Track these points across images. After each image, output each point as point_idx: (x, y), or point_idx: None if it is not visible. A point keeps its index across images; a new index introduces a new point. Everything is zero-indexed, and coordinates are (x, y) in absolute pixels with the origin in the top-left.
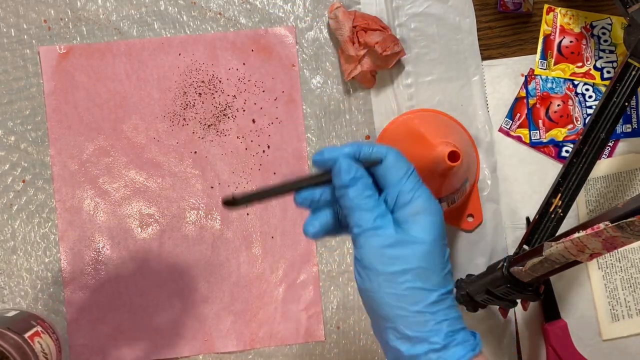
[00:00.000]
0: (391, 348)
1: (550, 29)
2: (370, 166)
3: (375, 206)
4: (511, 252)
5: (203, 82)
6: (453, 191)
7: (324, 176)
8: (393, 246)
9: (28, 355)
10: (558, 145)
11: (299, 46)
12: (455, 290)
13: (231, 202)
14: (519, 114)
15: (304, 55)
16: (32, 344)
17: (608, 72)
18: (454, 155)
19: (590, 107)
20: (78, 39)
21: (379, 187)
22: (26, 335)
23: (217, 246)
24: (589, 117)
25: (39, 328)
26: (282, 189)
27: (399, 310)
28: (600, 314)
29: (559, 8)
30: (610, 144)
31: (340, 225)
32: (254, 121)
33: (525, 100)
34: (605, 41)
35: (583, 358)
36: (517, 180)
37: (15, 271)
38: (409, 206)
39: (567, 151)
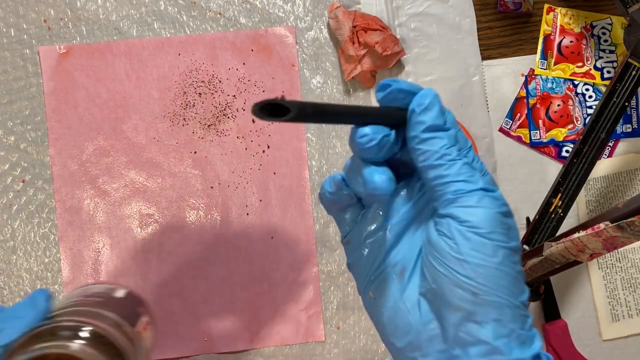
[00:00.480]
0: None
1: (551, 28)
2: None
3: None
4: None
5: (203, 82)
6: None
7: (403, 112)
8: (508, 215)
9: (140, 353)
10: (558, 145)
11: (299, 46)
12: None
13: (274, 109)
14: (519, 114)
15: (304, 55)
16: (142, 339)
17: (608, 72)
18: None
19: (590, 107)
20: (78, 38)
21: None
22: (137, 329)
23: (217, 246)
24: (589, 117)
25: (146, 318)
26: (347, 113)
27: (510, 296)
28: (601, 314)
29: (559, 8)
30: (610, 144)
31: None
32: (253, 121)
33: (525, 100)
34: (606, 41)
35: (583, 358)
36: (517, 180)
37: (15, 271)
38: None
39: (567, 151)
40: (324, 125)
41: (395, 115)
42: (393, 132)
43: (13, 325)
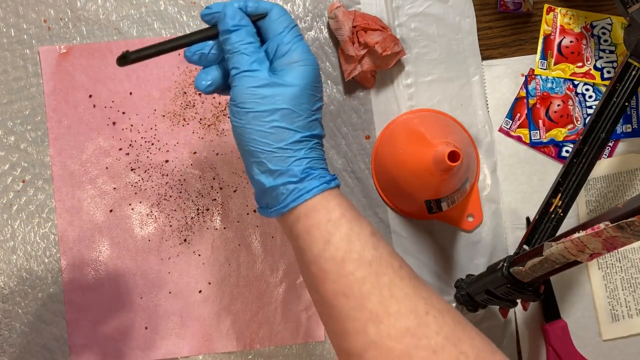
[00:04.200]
0: (255, 181)
1: (551, 29)
2: (256, 20)
3: (254, 52)
4: (511, 252)
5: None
6: (453, 191)
7: (212, 29)
8: (264, 87)
9: None
10: (558, 145)
11: None
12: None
13: (124, 59)
14: (519, 114)
15: None
16: None
17: (608, 72)
18: (454, 156)
19: (590, 107)
20: (78, 39)
21: (262, 41)
22: None
23: (217, 246)
24: (589, 117)
25: None
26: (173, 44)
27: (264, 146)
28: (601, 314)
29: (559, 8)
30: (610, 144)
31: (228, 84)
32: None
33: (525, 100)
34: (606, 41)
35: (583, 358)
36: (517, 180)
37: (15, 271)
38: (286, 56)
39: (567, 151)
40: (324, 125)
41: (213, 32)
42: (216, 45)
43: None
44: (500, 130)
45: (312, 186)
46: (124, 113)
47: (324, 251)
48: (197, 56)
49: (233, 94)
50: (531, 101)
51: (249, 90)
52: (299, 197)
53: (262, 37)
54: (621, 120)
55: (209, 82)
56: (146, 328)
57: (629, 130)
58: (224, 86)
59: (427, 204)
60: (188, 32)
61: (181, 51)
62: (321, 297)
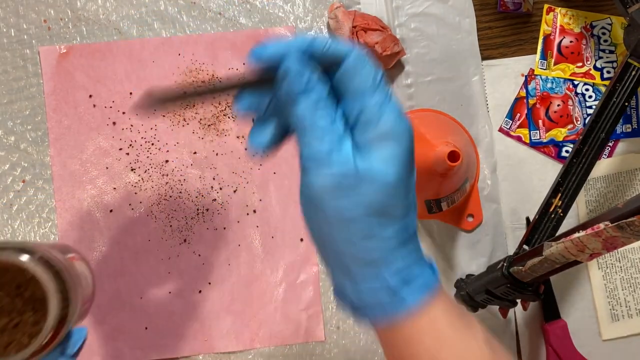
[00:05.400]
0: (336, 283)
1: (550, 29)
2: (327, 67)
3: (330, 126)
4: (511, 252)
5: (203, 82)
6: (453, 191)
7: (268, 75)
8: (345, 177)
9: (73, 273)
10: (558, 145)
11: None
12: (454, 285)
13: (150, 102)
14: (519, 114)
15: None
16: (74, 267)
17: (608, 72)
18: (454, 156)
19: (590, 107)
20: (78, 39)
21: (337, 94)
22: (68, 258)
23: (217, 246)
24: (589, 117)
25: (74, 254)
26: (213, 89)
27: (347, 259)
28: (600, 314)
29: (559, 8)
30: (610, 144)
31: (287, 136)
32: (253, 121)
33: (525, 100)
34: (605, 41)
35: (583, 358)
36: (517, 180)
37: None
38: (374, 128)
39: (567, 151)
40: None
41: (267, 78)
42: (266, 97)
43: None
44: (500, 130)
45: (412, 299)
46: (124, 113)
47: None
48: (253, 110)
49: (303, 185)
50: (531, 101)
51: (325, 182)
52: (396, 311)
53: (335, 90)
54: (621, 120)
55: (266, 141)
56: (146, 328)
57: (629, 130)
58: (283, 141)
59: (427, 204)
60: (230, 77)
61: (181, 50)
62: None
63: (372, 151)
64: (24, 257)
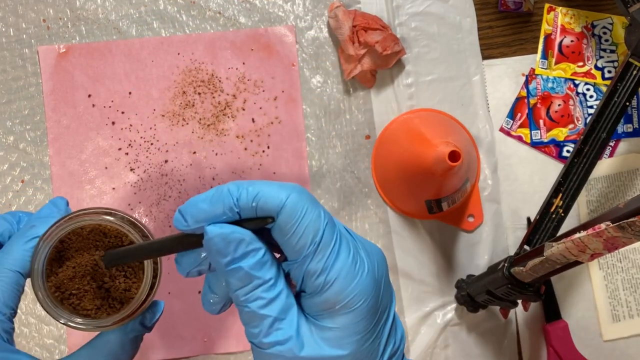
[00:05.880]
0: None
1: (551, 28)
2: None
3: (269, 303)
4: (512, 252)
5: (202, 81)
6: (454, 191)
7: (198, 238)
8: None
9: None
10: (559, 145)
11: (299, 45)
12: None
13: (106, 261)
14: (519, 114)
15: (303, 55)
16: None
17: (609, 71)
18: (454, 155)
19: (591, 106)
20: (77, 38)
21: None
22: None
23: None
24: (590, 117)
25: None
26: (149, 251)
27: None
28: (601, 314)
29: (560, 7)
30: (611, 143)
31: None
32: (253, 121)
33: (526, 100)
34: (606, 41)
35: (584, 358)
36: (517, 180)
37: None
38: (319, 297)
39: (568, 151)
40: (324, 125)
41: (197, 241)
42: (199, 263)
43: (42, 222)
44: (501, 130)
45: None
46: (123, 113)
47: None
48: (196, 273)
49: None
50: (532, 101)
51: None
52: None
53: (274, 244)
54: (622, 120)
55: (217, 302)
56: None
57: (630, 130)
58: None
59: (428, 204)
60: (169, 235)
61: (181, 50)
62: None
63: (323, 327)
64: (125, 224)
